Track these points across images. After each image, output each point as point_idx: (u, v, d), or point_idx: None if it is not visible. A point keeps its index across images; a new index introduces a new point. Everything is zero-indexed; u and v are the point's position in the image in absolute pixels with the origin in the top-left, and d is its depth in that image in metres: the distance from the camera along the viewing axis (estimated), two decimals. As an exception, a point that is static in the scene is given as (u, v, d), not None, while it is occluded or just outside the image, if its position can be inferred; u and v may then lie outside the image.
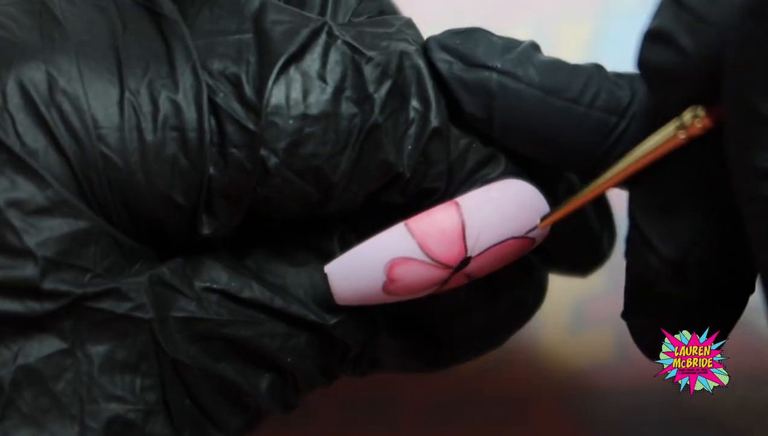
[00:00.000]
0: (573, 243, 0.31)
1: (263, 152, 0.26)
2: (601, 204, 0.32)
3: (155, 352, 0.27)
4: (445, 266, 0.27)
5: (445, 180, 0.28)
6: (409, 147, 0.27)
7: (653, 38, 0.23)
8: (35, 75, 0.25)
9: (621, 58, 0.39)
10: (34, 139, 0.25)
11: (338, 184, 0.27)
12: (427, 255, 0.27)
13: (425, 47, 0.28)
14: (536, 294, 0.32)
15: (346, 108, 0.26)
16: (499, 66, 0.28)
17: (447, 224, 0.27)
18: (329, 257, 0.28)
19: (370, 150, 0.27)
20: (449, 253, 0.27)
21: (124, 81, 0.26)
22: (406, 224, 0.27)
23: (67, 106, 0.25)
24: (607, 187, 0.27)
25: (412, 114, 0.27)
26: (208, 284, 0.27)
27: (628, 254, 0.27)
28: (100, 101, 0.25)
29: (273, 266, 0.29)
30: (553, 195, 0.29)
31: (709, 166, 0.23)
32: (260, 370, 0.28)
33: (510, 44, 0.28)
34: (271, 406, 0.29)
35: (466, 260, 0.28)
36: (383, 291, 0.28)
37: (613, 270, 0.39)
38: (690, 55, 0.23)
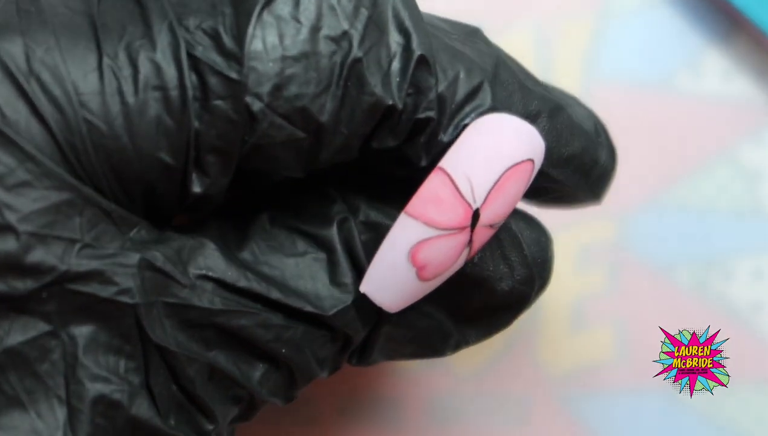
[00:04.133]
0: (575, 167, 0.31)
1: (247, 99, 0.26)
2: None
3: (140, 337, 0.26)
4: (460, 229, 0.27)
5: (436, 109, 0.27)
6: (397, 79, 0.27)
7: None
8: (12, 48, 0.25)
9: (621, 58, 0.39)
10: (13, 110, 0.24)
11: (327, 125, 0.27)
12: (437, 228, 0.27)
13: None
14: (542, 274, 0.31)
15: (325, 46, 0.26)
16: None
17: (439, 190, 0.27)
18: (328, 245, 0.28)
19: (354, 86, 0.27)
20: (455, 215, 0.27)
21: (102, 46, 0.25)
22: (404, 212, 0.27)
23: (46, 76, 0.25)
24: None
25: (393, 47, 0.27)
26: (203, 272, 0.27)
27: None
28: (79, 68, 0.25)
29: (271, 257, 0.29)
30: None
31: None
32: (253, 360, 0.28)
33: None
34: (264, 396, 0.28)
35: (476, 213, 0.27)
36: (421, 280, 0.27)
37: (613, 270, 0.39)
38: None
